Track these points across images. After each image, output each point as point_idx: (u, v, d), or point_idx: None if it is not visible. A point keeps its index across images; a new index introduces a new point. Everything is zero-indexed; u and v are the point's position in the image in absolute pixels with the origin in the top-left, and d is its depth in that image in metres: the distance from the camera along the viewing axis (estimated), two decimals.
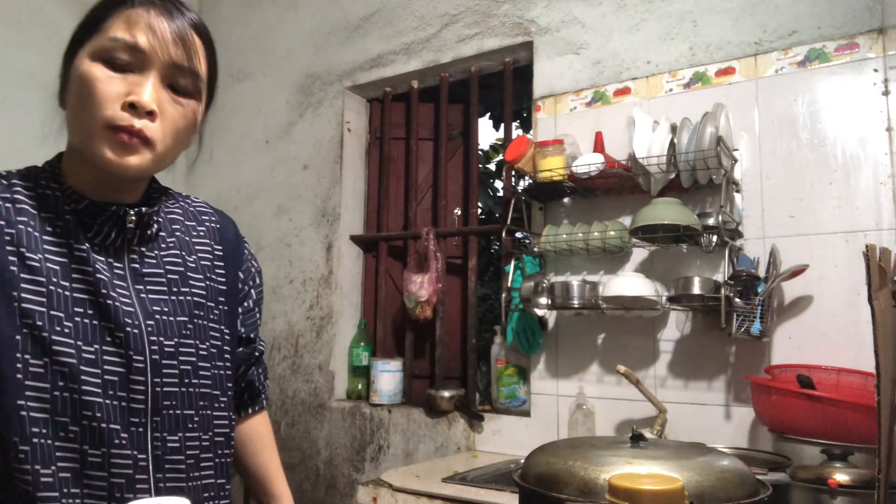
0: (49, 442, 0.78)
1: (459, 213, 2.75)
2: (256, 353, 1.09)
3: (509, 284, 2.16)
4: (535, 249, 2.13)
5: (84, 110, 0.78)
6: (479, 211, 2.82)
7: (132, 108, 0.78)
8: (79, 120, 0.80)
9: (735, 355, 1.88)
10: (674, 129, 1.91)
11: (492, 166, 4.50)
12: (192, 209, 0.99)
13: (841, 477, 1.25)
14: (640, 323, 2.02)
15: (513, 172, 2.19)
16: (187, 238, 0.95)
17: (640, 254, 2.05)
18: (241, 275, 1.02)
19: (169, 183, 1.02)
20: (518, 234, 2.34)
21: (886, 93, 1.75)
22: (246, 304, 1.04)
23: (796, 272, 1.74)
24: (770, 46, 1.91)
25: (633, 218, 1.87)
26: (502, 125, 3.13)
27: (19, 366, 0.76)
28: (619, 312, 1.98)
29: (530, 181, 2.12)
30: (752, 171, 1.90)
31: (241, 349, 1.04)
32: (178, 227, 0.95)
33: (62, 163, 0.86)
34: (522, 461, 1.11)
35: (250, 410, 1.12)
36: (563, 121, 2.24)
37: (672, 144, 1.88)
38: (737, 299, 1.71)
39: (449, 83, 2.70)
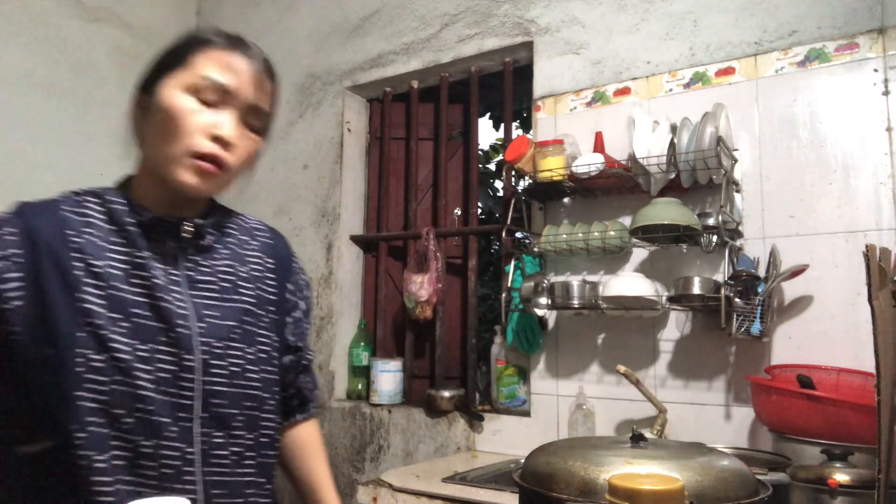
0: (105, 431, 0.85)
1: (459, 213, 2.75)
2: (304, 362, 1.14)
3: (509, 284, 2.16)
4: (535, 249, 2.13)
5: (170, 137, 0.88)
6: (479, 211, 2.82)
7: (215, 140, 0.88)
8: (163, 144, 0.89)
9: (735, 355, 1.88)
10: (674, 129, 1.91)
11: (492, 166, 4.50)
12: (246, 225, 1.09)
13: (841, 477, 1.25)
14: (640, 323, 2.02)
15: (513, 172, 2.19)
16: (240, 251, 1.03)
17: (640, 254, 2.05)
18: (290, 286, 1.09)
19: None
20: (518, 234, 2.34)
21: (886, 93, 1.75)
22: (295, 314, 1.10)
23: (796, 272, 1.74)
24: (770, 46, 1.91)
25: (633, 218, 1.87)
26: (502, 125, 3.13)
27: (79, 360, 0.84)
28: (619, 312, 1.98)
29: (530, 181, 2.12)
30: (752, 171, 1.90)
31: (289, 357, 1.09)
32: (232, 240, 1.03)
33: (132, 181, 0.97)
34: (522, 461, 1.11)
35: (299, 417, 1.16)
36: (563, 121, 2.24)
37: (672, 144, 1.88)
38: (737, 299, 1.71)
39: (449, 83, 2.70)
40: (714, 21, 2.01)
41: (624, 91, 2.14)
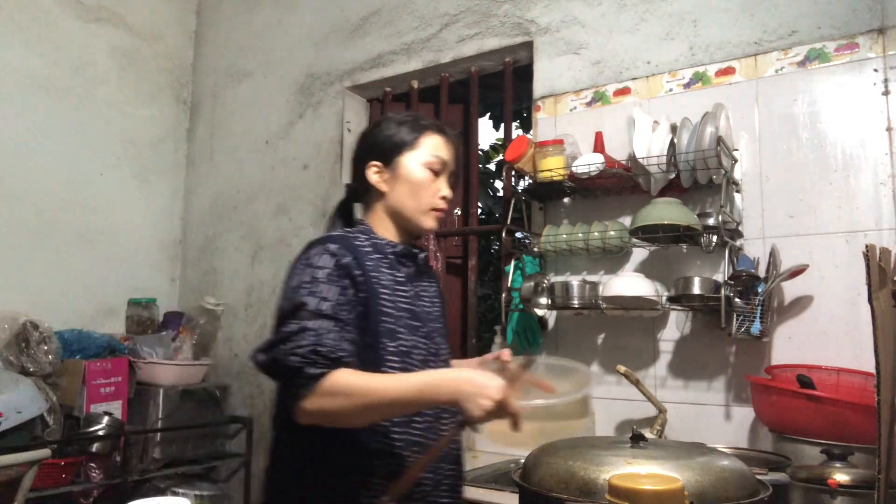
0: None
1: (459, 213, 2.75)
2: None
3: (509, 284, 2.16)
4: (535, 249, 2.13)
5: (417, 197, 1.29)
6: (479, 211, 2.82)
7: (443, 198, 1.30)
8: (412, 201, 1.29)
9: (735, 355, 1.88)
10: (674, 129, 1.91)
11: (492, 166, 4.50)
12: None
13: (841, 477, 1.25)
14: (640, 323, 2.02)
15: (513, 172, 2.19)
16: (429, 276, 1.40)
17: (640, 254, 2.05)
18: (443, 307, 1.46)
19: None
20: (518, 234, 2.34)
21: (886, 93, 1.75)
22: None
23: (796, 272, 1.74)
24: (770, 46, 1.91)
25: (633, 218, 1.87)
26: (502, 125, 3.13)
27: (381, 346, 1.19)
28: (619, 312, 1.98)
29: (530, 181, 2.12)
30: (752, 171, 1.90)
31: None
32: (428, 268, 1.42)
33: (373, 225, 1.33)
34: (522, 461, 1.11)
35: None
36: (563, 121, 2.24)
37: (672, 144, 1.88)
38: (737, 299, 1.71)
39: (449, 83, 2.70)
40: (714, 21, 2.01)
41: (624, 91, 2.14)
